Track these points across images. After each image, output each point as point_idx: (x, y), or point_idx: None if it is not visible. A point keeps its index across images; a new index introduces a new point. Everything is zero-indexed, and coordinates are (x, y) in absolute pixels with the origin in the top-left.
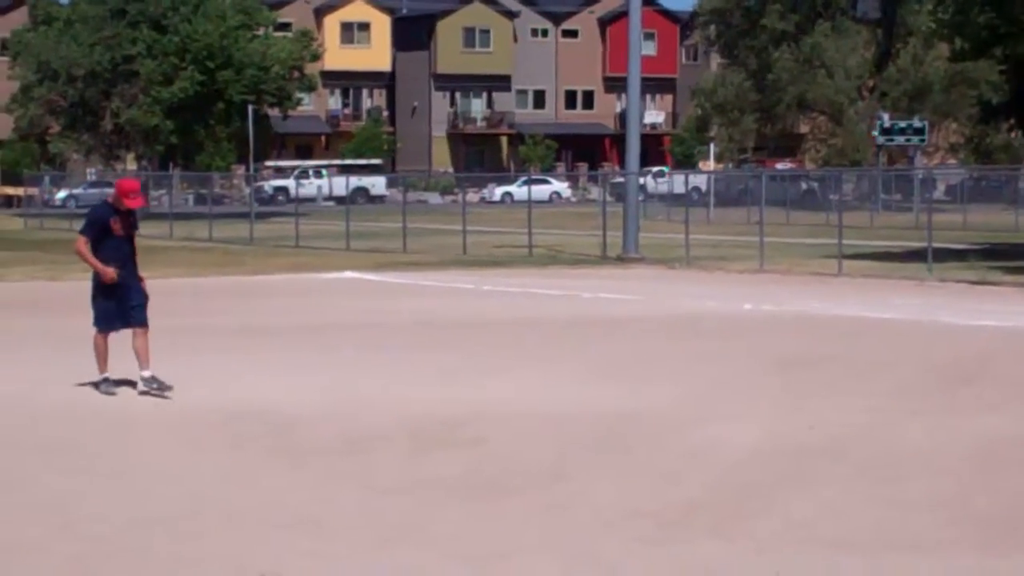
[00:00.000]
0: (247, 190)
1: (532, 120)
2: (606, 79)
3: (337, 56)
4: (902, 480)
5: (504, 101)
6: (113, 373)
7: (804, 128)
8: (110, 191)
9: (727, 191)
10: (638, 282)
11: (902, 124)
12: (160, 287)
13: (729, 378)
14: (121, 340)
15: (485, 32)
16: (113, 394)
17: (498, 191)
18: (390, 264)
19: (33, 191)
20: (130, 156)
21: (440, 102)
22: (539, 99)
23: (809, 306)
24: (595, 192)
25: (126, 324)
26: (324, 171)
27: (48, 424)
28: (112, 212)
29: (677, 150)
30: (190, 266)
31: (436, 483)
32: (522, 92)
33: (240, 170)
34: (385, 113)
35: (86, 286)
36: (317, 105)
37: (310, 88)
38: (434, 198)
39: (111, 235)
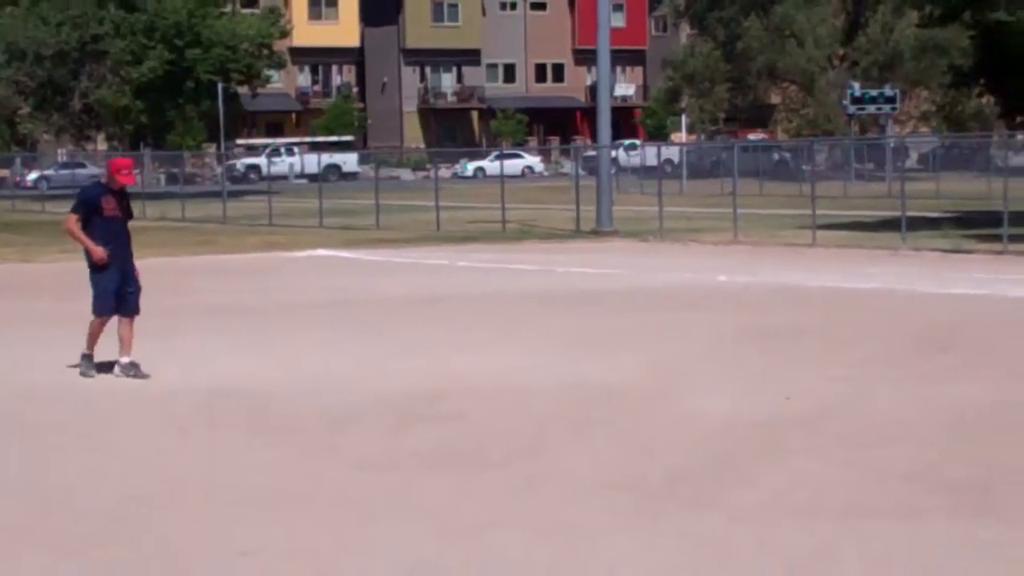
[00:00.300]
0: (219, 169)
1: (503, 94)
2: (576, 52)
3: (305, 32)
4: (878, 449)
5: (474, 75)
6: (102, 354)
7: (775, 99)
8: (81, 172)
9: (699, 163)
10: (612, 255)
11: (873, 93)
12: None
13: (704, 350)
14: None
15: (453, 6)
16: (91, 376)
17: (470, 166)
18: (363, 241)
19: (4, 173)
20: (100, 136)
21: (410, 77)
22: (509, 73)
23: (784, 277)
24: (568, 166)
25: (118, 310)
26: (295, 149)
27: (25, 405)
28: (104, 191)
29: (649, 122)
30: (163, 246)
31: (415, 458)
32: (492, 66)
33: (211, 149)
34: (355, 89)
35: (58, 268)
36: (286, 82)
37: (279, 65)
38: (406, 174)
39: (101, 215)
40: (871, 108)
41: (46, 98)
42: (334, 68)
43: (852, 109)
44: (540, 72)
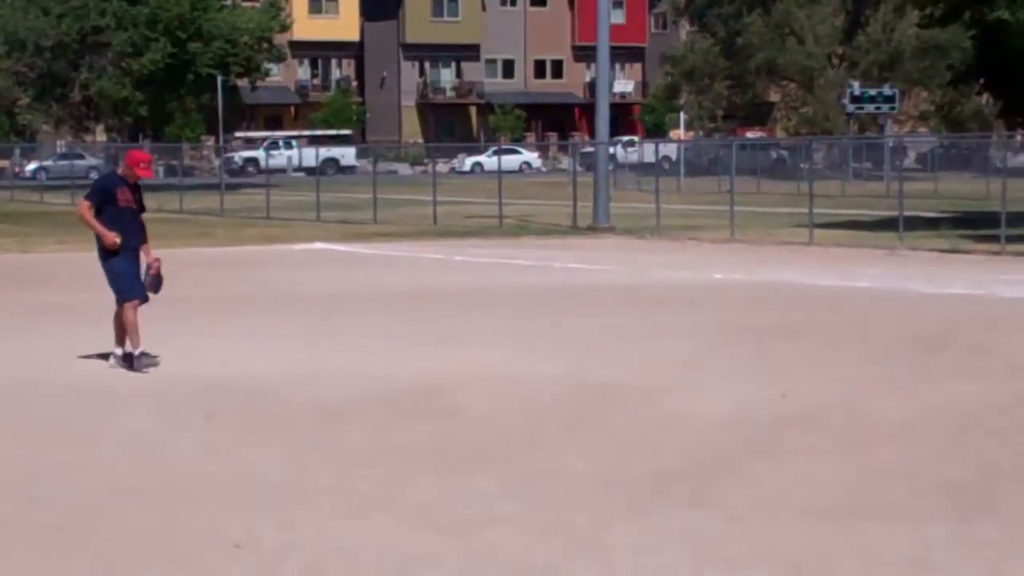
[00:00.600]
0: (217, 161)
1: (501, 90)
2: (575, 48)
3: (305, 26)
4: (875, 448)
5: (473, 71)
6: (90, 345)
7: (775, 97)
8: (80, 163)
9: (697, 160)
10: (609, 252)
11: (872, 92)
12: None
13: (701, 348)
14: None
15: (453, 2)
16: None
17: (468, 161)
18: (360, 235)
19: (3, 163)
20: (100, 128)
21: (409, 72)
22: (508, 69)
23: (780, 275)
24: (565, 162)
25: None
26: (294, 142)
27: (21, 396)
28: (120, 182)
29: (647, 119)
30: (161, 238)
31: (409, 453)
32: (491, 61)
33: (210, 141)
34: (354, 83)
35: (57, 258)
36: (286, 76)
37: (279, 59)
38: (404, 169)
39: (115, 204)
40: (870, 107)
41: (46, 89)
42: (333, 62)
43: (851, 108)
44: (539, 68)
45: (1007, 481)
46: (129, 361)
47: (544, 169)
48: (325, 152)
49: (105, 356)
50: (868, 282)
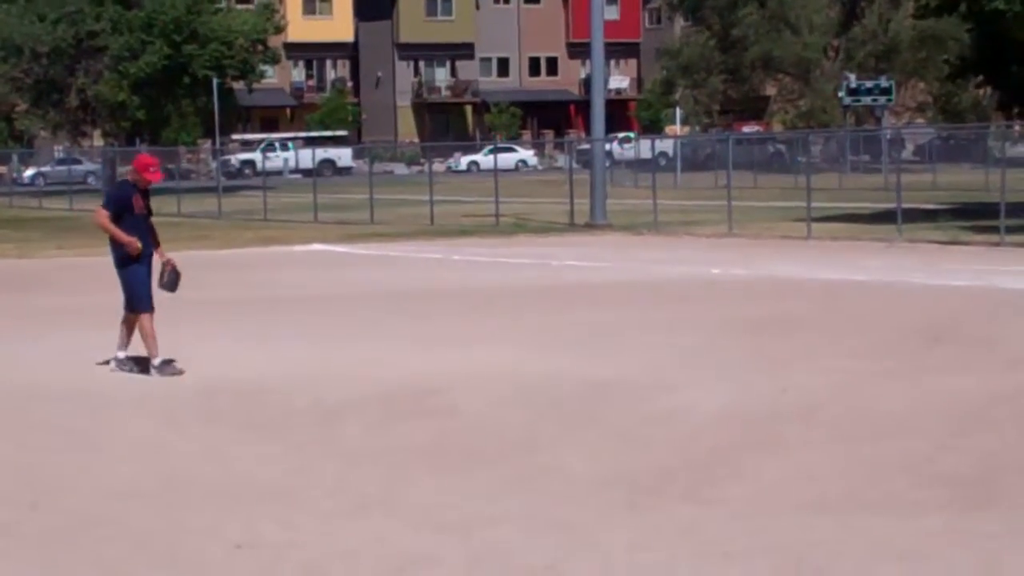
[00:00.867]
0: (214, 164)
1: (496, 88)
2: (569, 45)
3: (300, 27)
4: (874, 442)
5: (468, 69)
6: (90, 349)
7: (771, 90)
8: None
9: (694, 156)
10: (606, 249)
11: (868, 84)
12: None
13: (700, 343)
14: (106, 314)
15: (447, 0)
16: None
17: (464, 160)
18: (358, 235)
19: (1, 169)
20: (97, 132)
21: (404, 72)
22: (503, 67)
23: (779, 270)
24: (561, 159)
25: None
26: (290, 144)
27: (21, 401)
28: (133, 189)
29: (643, 115)
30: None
31: (408, 452)
32: (486, 60)
33: (206, 144)
34: (349, 84)
35: (55, 263)
36: (281, 77)
37: (274, 61)
38: (400, 169)
39: (132, 212)
40: (867, 99)
41: (43, 94)
42: (328, 63)
43: (848, 100)
44: (534, 66)
45: (1007, 473)
46: (135, 363)
47: (540, 167)
48: (321, 153)
49: (106, 361)
50: (867, 275)
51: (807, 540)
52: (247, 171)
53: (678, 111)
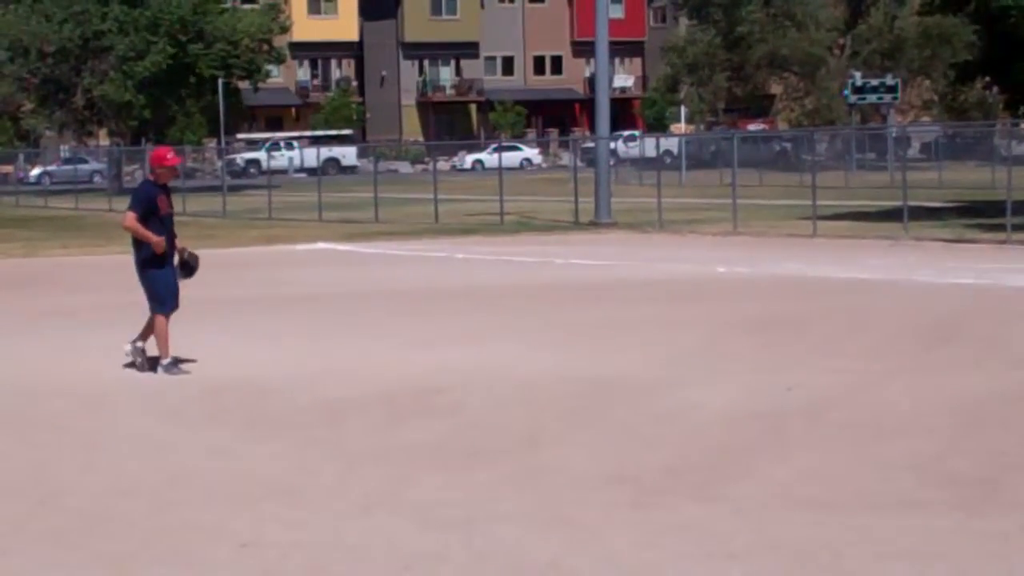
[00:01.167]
0: (219, 163)
1: (501, 87)
2: (574, 44)
3: (305, 27)
4: (881, 440)
5: (472, 68)
6: (95, 347)
7: (776, 88)
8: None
9: (699, 154)
10: (611, 247)
11: (874, 82)
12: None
13: (705, 341)
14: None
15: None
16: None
17: (469, 159)
18: (362, 234)
19: (7, 169)
20: (103, 132)
21: (409, 71)
22: (508, 65)
23: (784, 268)
24: (566, 158)
25: (175, 305)
26: (295, 143)
27: (26, 399)
28: (156, 189)
29: (648, 113)
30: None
31: (412, 451)
32: (490, 59)
33: (212, 144)
34: (354, 83)
35: (61, 262)
36: (286, 77)
37: (279, 60)
38: (405, 167)
39: (158, 214)
40: (872, 97)
41: (49, 94)
42: (333, 62)
43: (853, 98)
44: (538, 64)
45: (1015, 472)
46: (148, 362)
47: (545, 165)
48: (326, 152)
49: (129, 364)
50: (872, 273)
51: (814, 539)
52: (252, 170)
53: (683, 109)
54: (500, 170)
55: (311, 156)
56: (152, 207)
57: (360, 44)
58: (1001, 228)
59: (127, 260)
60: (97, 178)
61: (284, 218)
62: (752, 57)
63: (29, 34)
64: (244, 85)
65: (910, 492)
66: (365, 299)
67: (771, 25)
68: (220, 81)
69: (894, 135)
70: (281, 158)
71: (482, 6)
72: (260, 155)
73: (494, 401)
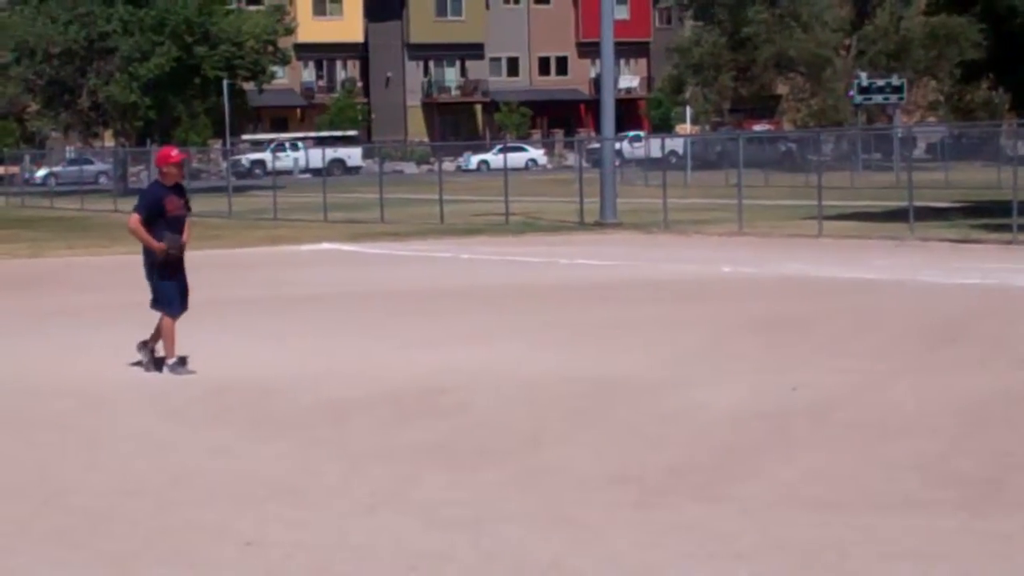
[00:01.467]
0: (224, 164)
1: (506, 87)
2: (579, 45)
3: (310, 28)
4: (886, 440)
5: (478, 69)
6: (99, 347)
7: (782, 89)
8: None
9: (705, 154)
10: (616, 247)
11: (880, 83)
12: (140, 262)
13: (710, 341)
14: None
15: (457, 0)
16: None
17: (474, 159)
18: (368, 235)
19: (13, 169)
20: (108, 133)
21: (414, 72)
22: (513, 66)
23: (789, 268)
24: (571, 158)
25: (184, 307)
26: (300, 144)
27: (31, 399)
28: (164, 190)
29: (653, 114)
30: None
31: (417, 450)
32: (496, 60)
33: (217, 144)
34: (359, 84)
35: (66, 262)
36: (291, 78)
37: (284, 62)
38: (410, 168)
39: (165, 215)
40: (878, 98)
41: (54, 96)
42: (338, 63)
43: (859, 99)
44: (544, 65)
45: (1020, 473)
46: (155, 363)
47: (550, 166)
48: (331, 153)
49: (136, 362)
50: (878, 273)
51: (818, 539)
52: (257, 171)
53: (688, 110)
54: (505, 171)
55: (316, 157)
56: (158, 209)
57: (365, 45)
58: (1007, 228)
59: (132, 260)
60: (103, 179)
61: (289, 219)
62: (758, 58)
63: (35, 36)
64: (249, 86)
65: (915, 492)
66: (369, 299)
67: (777, 26)
68: (225, 82)
69: (900, 135)
70: (286, 159)
71: (487, 7)
72: (265, 156)
73: (499, 401)
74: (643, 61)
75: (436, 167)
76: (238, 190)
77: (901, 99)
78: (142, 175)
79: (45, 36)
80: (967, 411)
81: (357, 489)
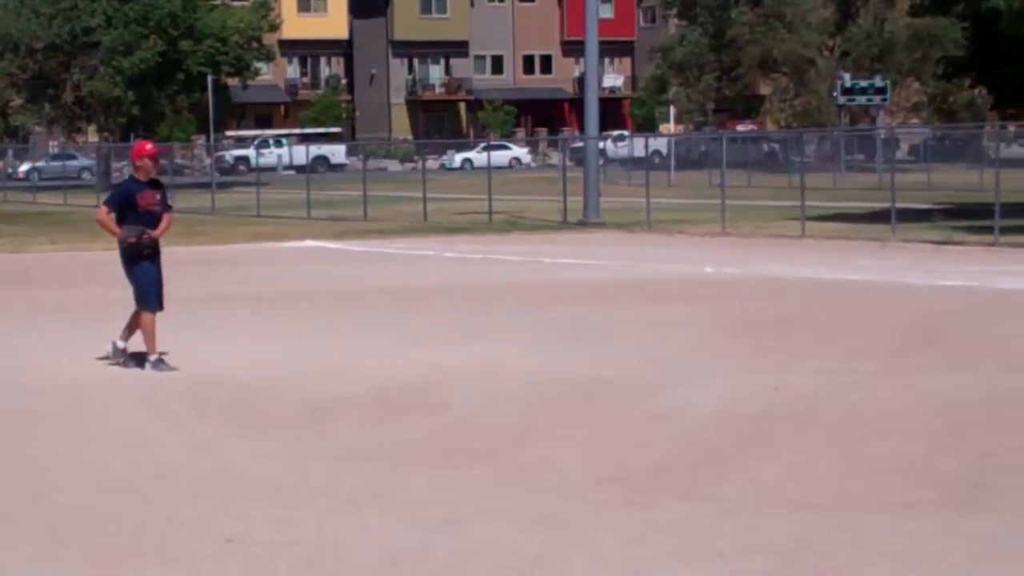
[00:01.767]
0: (208, 160)
1: (490, 86)
2: (564, 43)
3: (294, 25)
4: (868, 441)
5: (462, 67)
6: (82, 343)
7: (765, 89)
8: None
9: (688, 154)
10: (599, 247)
11: (863, 84)
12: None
13: (693, 342)
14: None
15: None
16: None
17: (458, 158)
18: (351, 232)
19: None
20: (92, 128)
21: (398, 69)
22: (497, 64)
23: (772, 269)
24: (555, 157)
25: (161, 304)
26: (284, 140)
27: (14, 395)
28: (137, 185)
29: (637, 113)
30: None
31: (400, 448)
32: (480, 58)
33: (200, 140)
34: (343, 81)
35: (49, 258)
36: (275, 74)
37: (268, 58)
38: (394, 165)
39: (136, 209)
40: (861, 99)
41: (38, 90)
42: (323, 60)
43: (842, 100)
44: (528, 64)
45: (1001, 474)
46: (131, 358)
47: (534, 164)
48: (315, 150)
49: (103, 357)
50: (861, 274)
51: (800, 539)
52: (241, 167)
53: (672, 109)
54: (489, 169)
55: (300, 154)
56: (129, 202)
57: (350, 42)
58: (989, 230)
59: (114, 256)
60: (86, 174)
61: (273, 215)
62: (743, 58)
63: (18, 29)
64: (233, 82)
65: (897, 493)
66: (353, 297)
67: (762, 27)
68: (209, 78)
69: (883, 137)
70: (270, 155)
71: (472, 5)
72: (249, 152)
73: (482, 400)
74: (627, 60)
75: (420, 165)
76: (221, 186)
77: (884, 100)
78: (125, 171)
79: (29, 30)
80: (949, 412)
81: (340, 487)
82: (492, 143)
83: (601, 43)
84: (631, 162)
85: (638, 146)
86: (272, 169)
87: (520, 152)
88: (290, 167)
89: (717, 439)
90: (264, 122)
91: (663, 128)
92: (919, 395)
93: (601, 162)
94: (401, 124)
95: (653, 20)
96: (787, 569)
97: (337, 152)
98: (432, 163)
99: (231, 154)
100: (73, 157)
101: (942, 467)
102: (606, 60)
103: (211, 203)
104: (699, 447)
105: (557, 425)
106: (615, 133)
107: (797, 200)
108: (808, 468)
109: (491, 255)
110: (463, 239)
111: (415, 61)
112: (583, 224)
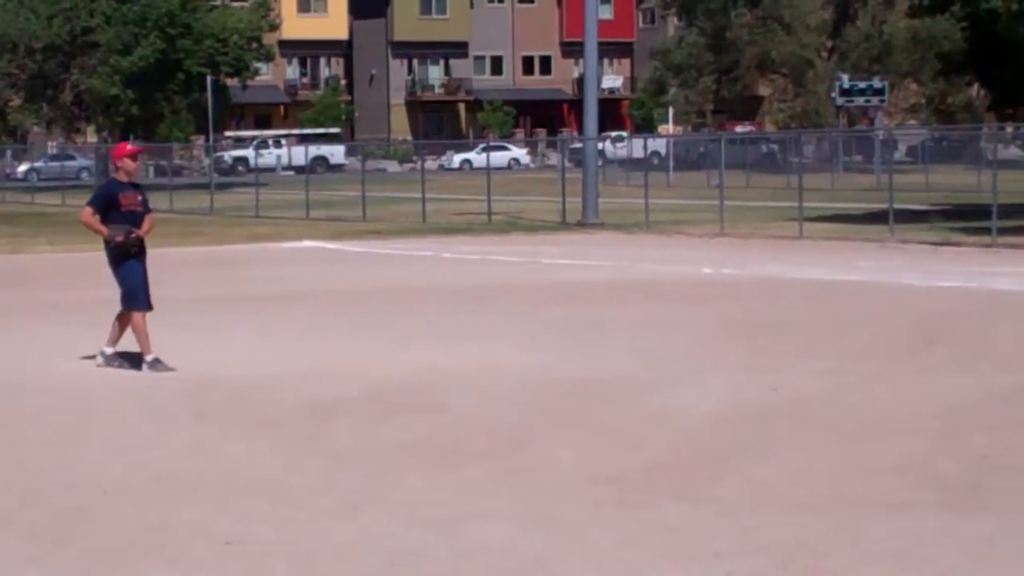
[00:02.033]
0: (207, 160)
1: (490, 86)
2: (563, 44)
3: (294, 25)
4: (866, 442)
5: (461, 68)
6: (79, 344)
7: (764, 90)
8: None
9: (687, 155)
10: (598, 248)
11: (861, 85)
12: None
13: (691, 342)
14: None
15: None
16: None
17: (457, 158)
18: (350, 233)
19: None
20: (90, 128)
21: (397, 70)
22: (496, 65)
23: (770, 269)
24: (554, 158)
25: (150, 304)
26: (283, 141)
27: (12, 396)
28: (119, 186)
29: (636, 114)
30: (150, 237)
31: (398, 449)
32: (479, 58)
33: (199, 141)
34: (343, 82)
35: (47, 258)
36: (275, 75)
37: (268, 58)
38: (393, 166)
39: (118, 209)
40: (860, 100)
41: (37, 90)
42: (322, 61)
43: (840, 101)
44: (527, 64)
45: (998, 475)
46: (125, 359)
47: (533, 165)
48: (314, 150)
49: (92, 356)
50: (859, 275)
51: (797, 540)
52: (240, 168)
53: (671, 110)
54: (488, 170)
55: (299, 154)
56: (112, 202)
57: (349, 43)
58: (987, 231)
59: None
60: (84, 175)
61: (271, 216)
62: (741, 60)
63: (17, 29)
64: (232, 82)
65: (895, 493)
66: (352, 297)
67: (760, 28)
68: (208, 78)
69: (881, 138)
70: (269, 156)
71: (471, 6)
72: (248, 153)
73: (480, 400)
74: (626, 61)
75: (419, 165)
76: (220, 187)
77: (883, 101)
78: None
79: (28, 30)
80: (947, 413)
81: (338, 487)
82: (491, 144)
83: (600, 44)
84: (630, 163)
85: (637, 147)
86: (271, 170)
87: (519, 153)
88: (289, 168)
89: (714, 439)
90: (263, 122)
91: (662, 129)
92: (917, 396)
93: (600, 163)
94: (400, 125)
95: (652, 21)
96: (784, 570)
97: (336, 153)
98: (431, 164)
99: (230, 154)
100: (72, 158)
101: (940, 468)
102: (605, 61)
103: (210, 203)
104: (696, 447)
105: (554, 425)
106: (614, 134)
107: (795, 201)
108: (806, 468)
109: (490, 256)
110: (462, 240)
111: (415, 62)
112: (582, 225)
